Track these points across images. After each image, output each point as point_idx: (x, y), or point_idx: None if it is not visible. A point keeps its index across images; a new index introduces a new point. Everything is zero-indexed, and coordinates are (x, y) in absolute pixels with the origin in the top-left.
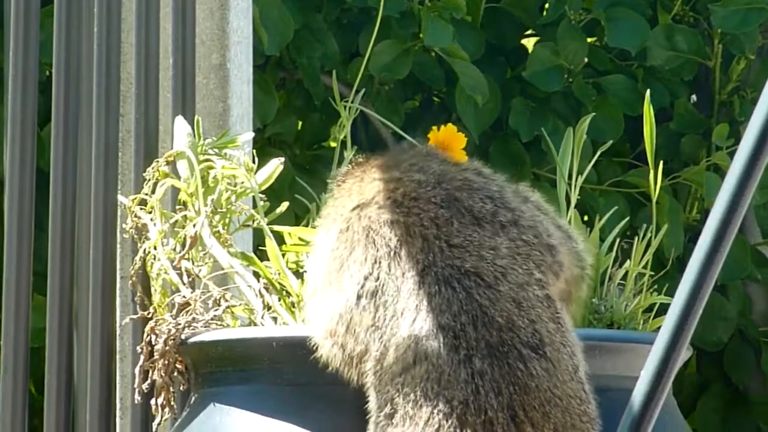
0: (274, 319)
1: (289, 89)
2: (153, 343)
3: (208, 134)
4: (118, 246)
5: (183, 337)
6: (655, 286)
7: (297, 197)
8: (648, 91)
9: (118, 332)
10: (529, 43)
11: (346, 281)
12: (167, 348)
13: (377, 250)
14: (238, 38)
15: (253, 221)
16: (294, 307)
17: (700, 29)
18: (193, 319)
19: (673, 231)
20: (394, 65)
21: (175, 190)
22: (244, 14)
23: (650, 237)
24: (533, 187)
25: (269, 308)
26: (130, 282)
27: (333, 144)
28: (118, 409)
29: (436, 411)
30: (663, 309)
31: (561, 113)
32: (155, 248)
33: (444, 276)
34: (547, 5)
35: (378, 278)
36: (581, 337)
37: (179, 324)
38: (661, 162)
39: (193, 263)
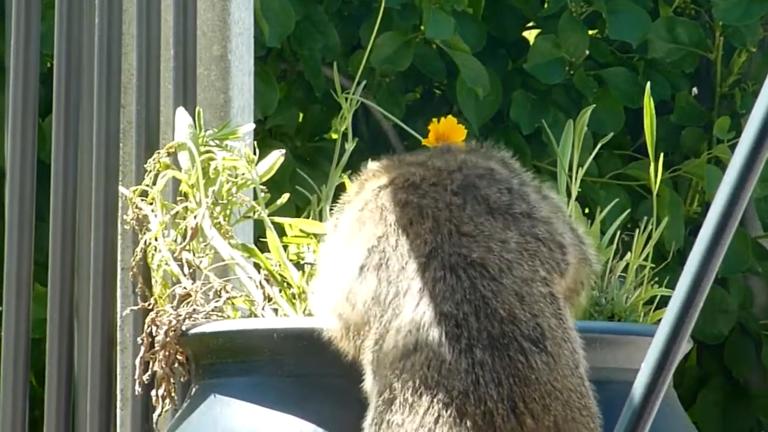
0: (275, 310)
1: (290, 81)
2: (154, 334)
3: (209, 125)
4: (119, 237)
5: (184, 328)
6: (656, 279)
7: (298, 189)
8: (649, 84)
9: (118, 323)
10: (530, 35)
11: (352, 253)
12: (168, 339)
13: (387, 227)
14: (240, 30)
15: (254, 213)
16: (295, 298)
17: (701, 22)
18: (194, 310)
19: (674, 224)
20: (395, 57)
21: (176, 182)
22: (246, 6)
23: (651, 229)
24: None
25: (270, 300)
26: (131, 273)
27: (334, 136)
28: (119, 401)
29: (435, 400)
30: (664, 301)
31: (562, 105)
32: (156, 239)
33: (450, 263)
34: None
35: (383, 252)
36: (582, 330)
37: (180, 315)
38: (662, 155)
39: (194, 254)
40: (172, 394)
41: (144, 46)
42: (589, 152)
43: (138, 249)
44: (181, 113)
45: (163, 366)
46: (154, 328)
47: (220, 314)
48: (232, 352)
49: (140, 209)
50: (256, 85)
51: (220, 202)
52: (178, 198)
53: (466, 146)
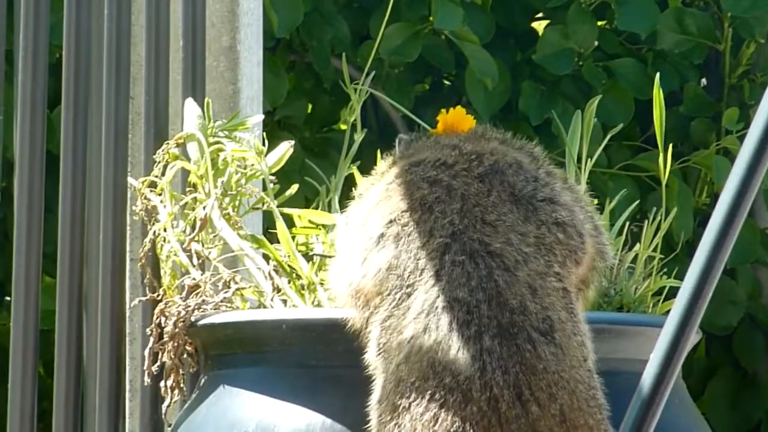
0: (284, 301)
1: (299, 72)
2: (163, 325)
3: (218, 116)
4: (128, 228)
5: (193, 319)
6: (665, 270)
7: (307, 180)
8: (658, 75)
9: (127, 314)
10: (539, 26)
11: (373, 223)
12: (177, 330)
13: (413, 201)
14: (249, 20)
15: (263, 204)
16: (304, 289)
17: (710, 13)
18: (203, 301)
19: (683, 214)
20: (404, 48)
21: (185, 173)
22: None
23: (660, 220)
24: None
25: (279, 291)
26: (140, 264)
27: (343, 127)
28: (128, 392)
29: (442, 384)
30: (672, 292)
31: (571, 96)
32: (165, 230)
33: (471, 249)
34: None
35: (405, 225)
36: (591, 321)
37: (189, 306)
38: (671, 146)
39: (203, 245)
40: (181, 385)
41: (153, 37)
42: (599, 143)
43: (147, 240)
44: (190, 104)
45: (172, 357)
46: (163, 319)
47: (229, 305)
48: (241, 343)
49: (149, 200)
50: (265, 76)
51: (229, 193)
52: (187, 189)
53: (500, 135)
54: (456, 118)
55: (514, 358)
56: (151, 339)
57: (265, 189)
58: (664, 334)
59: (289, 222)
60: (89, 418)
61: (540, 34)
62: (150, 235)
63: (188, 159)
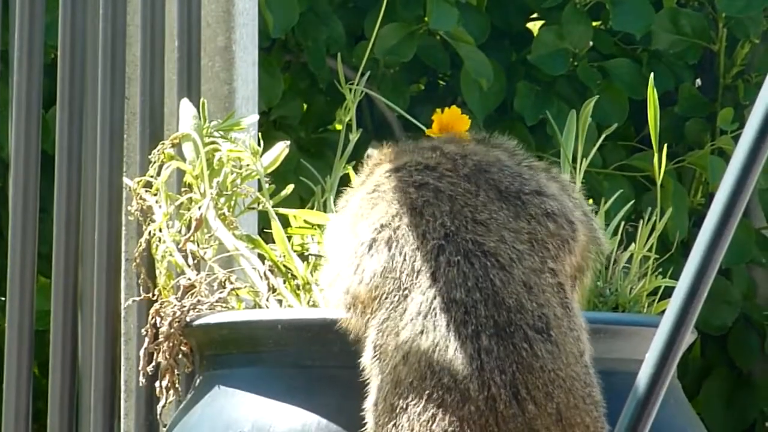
0: (279, 301)
1: (295, 72)
2: (158, 325)
3: (213, 117)
4: (123, 228)
5: (188, 319)
6: (660, 270)
7: (302, 180)
8: (652, 75)
9: (122, 315)
10: (534, 26)
11: (362, 230)
12: (172, 330)
13: (400, 207)
14: (244, 20)
15: (259, 204)
16: (299, 289)
17: (704, 13)
18: (198, 301)
19: (678, 214)
20: (399, 48)
21: (181, 173)
22: None
23: (655, 220)
24: None
25: (274, 291)
26: (134, 264)
27: (338, 127)
28: (123, 392)
29: (440, 384)
30: (668, 292)
31: (566, 97)
32: (160, 230)
33: (466, 249)
34: None
35: (396, 228)
36: (587, 320)
37: (184, 306)
38: (666, 146)
39: (198, 245)
40: (176, 386)
41: (148, 37)
42: (593, 143)
43: (142, 240)
44: (186, 104)
45: (167, 357)
46: (158, 319)
47: (224, 305)
48: (237, 343)
49: (144, 200)
50: (260, 76)
51: (224, 193)
52: (183, 189)
53: (472, 136)
54: (451, 118)
55: (510, 357)
56: (147, 339)
57: (260, 189)
58: (659, 334)
59: (285, 222)
60: (84, 419)
61: (535, 34)
62: (145, 235)
63: (184, 159)
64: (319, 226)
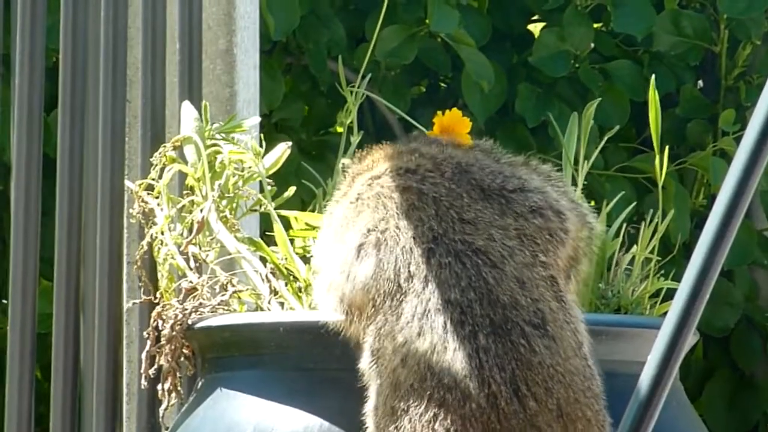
0: (281, 304)
1: (296, 75)
2: (160, 328)
3: (214, 119)
4: (125, 231)
5: (190, 322)
6: (662, 272)
7: (303, 182)
8: (654, 77)
9: (124, 318)
10: (535, 28)
11: (349, 238)
12: (174, 333)
13: (386, 212)
14: (245, 23)
15: (260, 206)
16: (301, 292)
17: (706, 14)
18: (200, 304)
19: (680, 216)
20: (400, 51)
21: (182, 175)
22: None
23: (657, 222)
24: None
25: (276, 293)
26: (136, 267)
27: (339, 129)
28: (125, 395)
29: (440, 384)
30: (670, 294)
31: (567, 99)
32: (162, 233)
33: (456, 249)
34: None
35: (383, 232)
36: (588, 322)
37: (186, 309)
38: (668, 147)
39: (200, 248)
40: (178, 388)
41: (149, 39)
42: (595, 145)
43: (144, 243)
44: (187, 107)
45: (169, 360)
46: (160, 322)
47: (226, 308)
48: (239, 346)
49: (146, 203)
50: (261, 78)
51: (226, 195)
52: (184, 191)
53: (450, 140)
54: (452, 121)
55: (509, 354)
56: (148, 342)
57: (262, 191)
58: (661, 335)
59: (286, 224)
60: (86, 422)
61: (536, 36)
62: (147, 238)
63: (185, 162)
64: (320, 223)
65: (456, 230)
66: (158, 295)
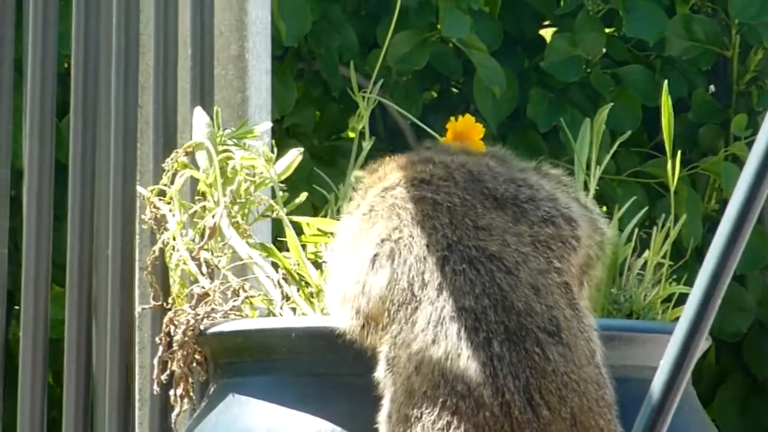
0: (293, 309)
1: (308, 80)
2: (172, 333)
3: (226, 125)
4: (137, 237)
5: (202, 327)
6: (674, 276)
7: (315, 188)
8: (666, 82)
9: (136, 323)
10: (546, 33)
11: (363, 248)
12: (186, 339)
13: (400, 221)
14: (257, 29)
15: (272, 212)
16: (313, 297)
17: (717, 19)
18: (212, 309)
19: (692, 221)
20: (412, 56)
21: (194, 181)
22: (263, 5)
23: (669, 227)
24: None
25: (288, 299)
26: (146, 272)
27: (351, 135)
28: (137, 401)
29: (453, 392)
30: (682, 299)
31: (579, 104)
32: (174, 239)
33: (470, 256)
34: None
35: (397, 242)
36: (601, 327)
37: (198, 315)
38: (680, 152)
39: (212, 254)
40: (191, 394)
41: (161, 45)
42: (607, 150)
43: (156, 248)
44: (199, 112)
45: (182, 365)
46: (173, 328)
47: (238, 313)
48: (251, 352)
49: (158, 209)
50: (273, 84)
51: (238, 201)
52: (196, 197)
53: (463, 146)
54: (465, 126)
55: (523, 363)
56: (161, 348)
57: (274, 197)
58: (673, 340)
59: (298, 230)
60: (99, 428)
61: (548, 41)
62: (159, 244)
63: (197, 167)
64: (333, 234)
65: (470, 237)
66: (170, 300)
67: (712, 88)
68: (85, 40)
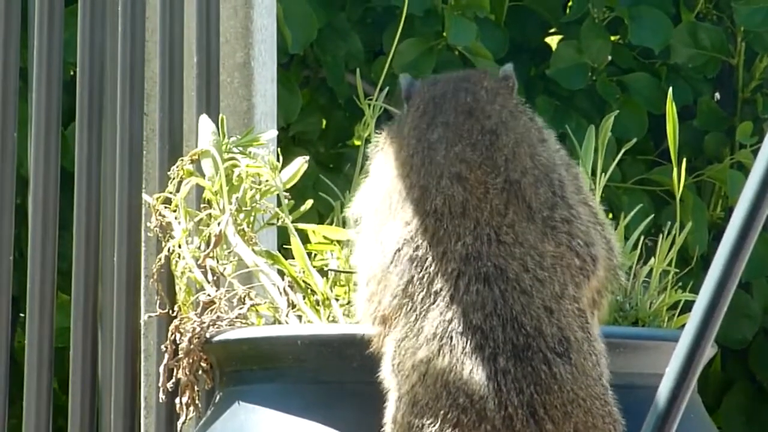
0: (299, 317)
1: (313, 88)
2: (177, 341)
3: (232, 132)
4: (143, 244)
5: (208, 335)
6: (680, 284)
7: (321, 195)
8: (671, 89)
9: (142, 331)
10: (552, 41)
11: (388, 237)
12: (192, 346)
13: (427, 218)
14: (262, 36)
15: (278, 219)
16: (318, 305)
17: (723, 27)
18: (218, 317)
19: (698, 229)
20: (418, 63)
21: (200, 189)
22: (268, 12)
23: (674, 235)
24: None
25: (294, 306)
26: (152, 280)
27: (357, 142)
28: (143, 408)
29: (455, 404)
30: (687, 306)
31: (585, 111)
32: (180, 247)
33: (486, 273)
34: (570, 3)
35: (419, 245)
36: (606, 335)
37: (204, 322)
38: (685, 160)
39: (217, 261)
40: (197, 402)
41: (167, 53)
42: (613, 158)
43: (161, 256)
44: (205, 120)
45: (187, 373)
46: (178, 336)
47: (244, 321)
48: (257, 359)
49: (164, 216)
50: (279, 91)
51: (243, 209)
52: (202, 205)
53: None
54: None
55: (528, 378)
56: (166, 355)
57: (279, 205)
58: (679, 348)
59: (304, 237)
60: None
61: (553, 49)
62: (165, 252)
63: (203, 175)
64: (338, 241)
65: (491, 252)
66: (176, 308)
67: (717, 95)
68: (90, 47)
